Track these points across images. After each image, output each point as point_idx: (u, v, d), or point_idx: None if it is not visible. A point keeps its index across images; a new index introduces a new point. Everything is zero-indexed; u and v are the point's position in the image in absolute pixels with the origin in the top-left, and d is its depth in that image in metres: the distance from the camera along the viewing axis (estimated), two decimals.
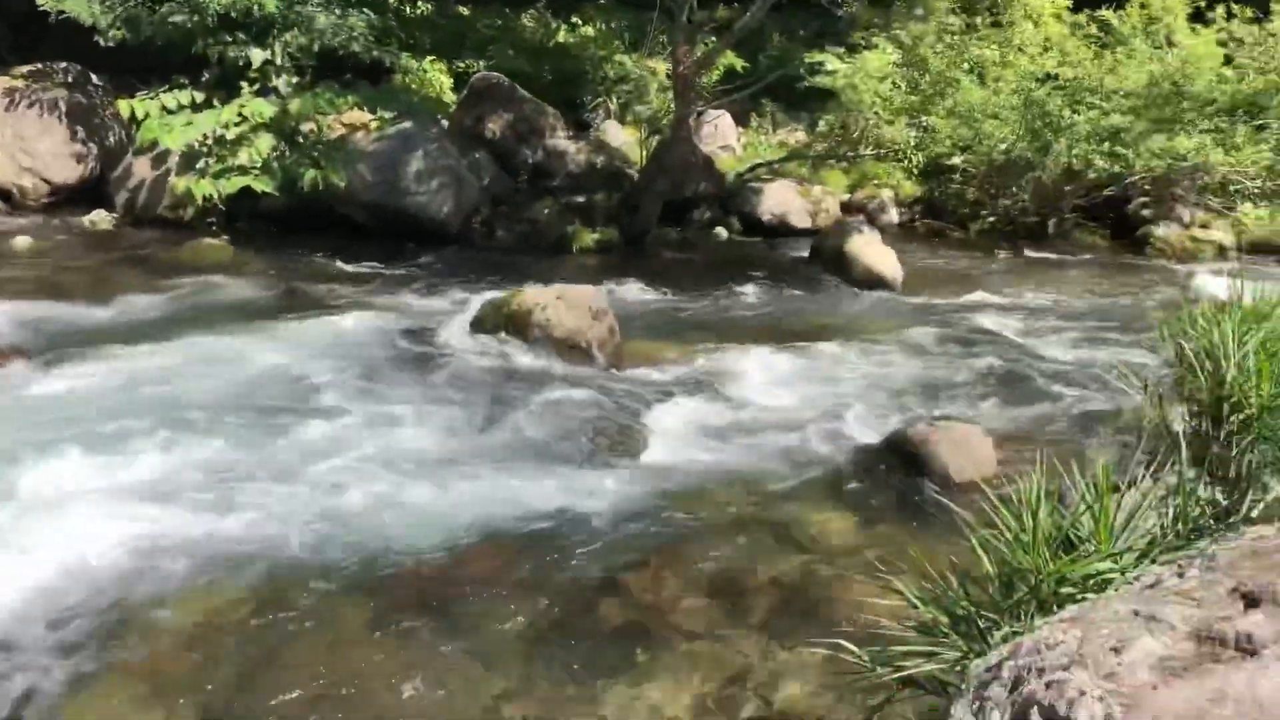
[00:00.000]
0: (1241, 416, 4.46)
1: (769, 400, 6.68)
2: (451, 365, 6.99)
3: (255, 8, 10.16)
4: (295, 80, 10.87)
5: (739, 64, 14.90)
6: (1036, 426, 6.50)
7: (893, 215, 13.45)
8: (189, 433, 5.49)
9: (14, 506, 4.62)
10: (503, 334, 7.38)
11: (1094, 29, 13.61)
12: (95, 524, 4.49)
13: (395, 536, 4.68)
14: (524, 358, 7.14)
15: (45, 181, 10.60)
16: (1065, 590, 2.82)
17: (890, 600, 3.15)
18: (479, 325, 7.55)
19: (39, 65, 11.06)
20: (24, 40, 12.37)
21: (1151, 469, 3.67)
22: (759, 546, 4.78)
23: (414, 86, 13.59)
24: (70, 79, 11.05)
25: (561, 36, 16.06)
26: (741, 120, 15.66)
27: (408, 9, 15.78)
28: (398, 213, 10.37)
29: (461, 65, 14.77)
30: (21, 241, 9.28)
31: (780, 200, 12.55)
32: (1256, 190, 13.54)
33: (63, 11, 10.20)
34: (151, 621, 3.95)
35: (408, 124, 10.73)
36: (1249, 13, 13.61)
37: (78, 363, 6.42)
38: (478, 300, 8.05)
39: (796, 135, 15.27)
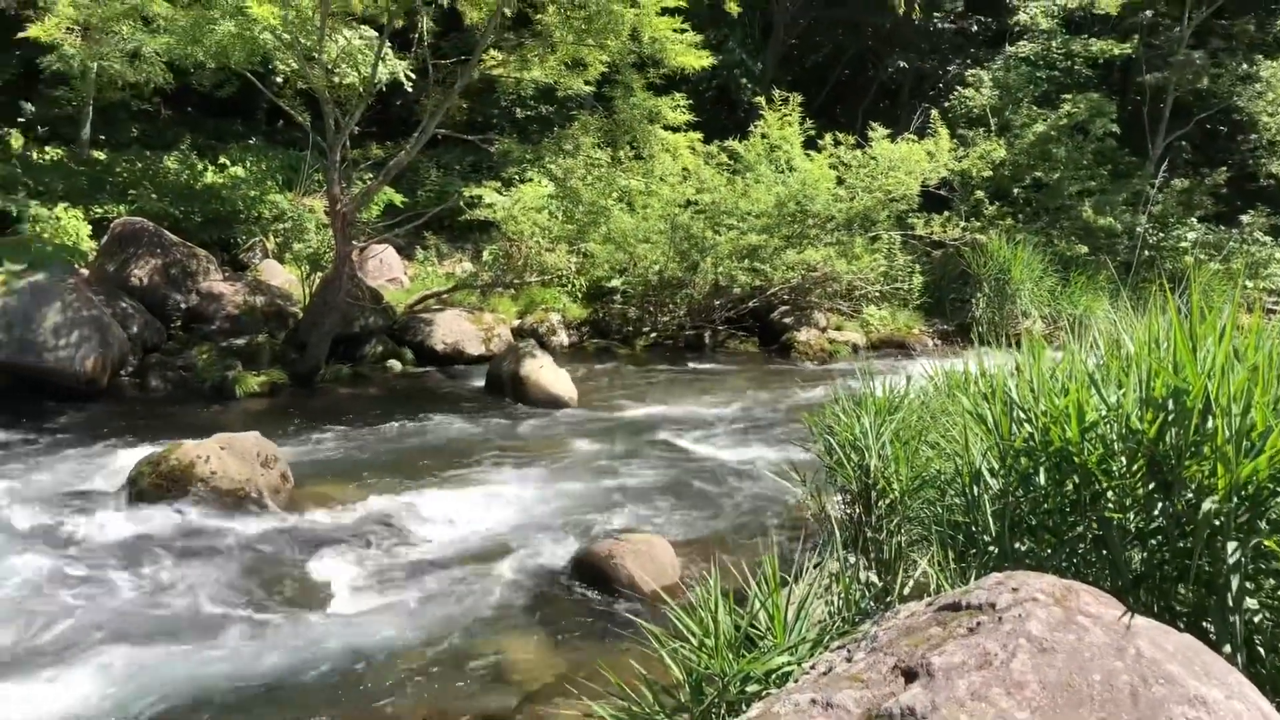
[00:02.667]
0: (887, 501, 4.94)
1: (451, 534, 6.62)
2: (105, 534, 6.40)
3: None
4: None
5: (398, 199, 15.03)
6: (712, 529, 6.84)
7: (563, 337, 13.89)
8: None
9: None
10: (162, 492, 6.88)
11: (724, 158, 14.94)
12: None
13: None
14: (189, 515, 6.67)
15: None
16: (751, 689, 2.98)
17: None
18: (134, 486, 6.99)
19: None
20: None
21: (815, 559, 3.97)
22: (454, 686, 4.68)
23: (46, 235, 12.61)
24: None
25: (210, 178, 15.53)
26: (407, 253, 15.73)
27: (35, 155, 14.73)
28: (34, 370, 9.49)
29: (99, 210, 13.88)
30: None
31: (452, 329, 12.63)
32: (877, 294, 15.21)
33: None
34: None
35: (40, 275, 9.91)
36: (852, 139, 15.45)
37: None
38: (132, 458, 7.48)
39: (462, 265, 15.53)
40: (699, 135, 13.14)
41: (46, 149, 15.17)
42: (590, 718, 3.05)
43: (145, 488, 6.94)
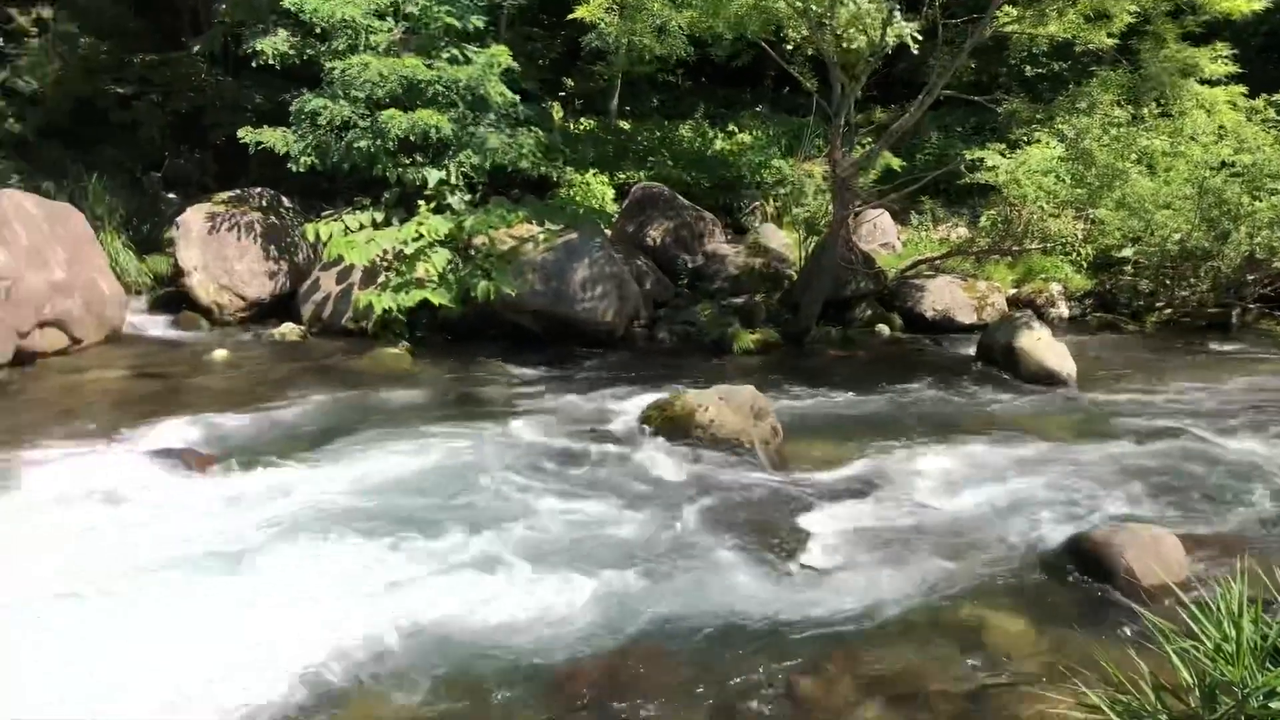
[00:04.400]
0: None
1: (939, 502, 6.53)
2: (618, 467, 7.11)
3: (432, 132, 10.81)
4: (468, 197, 11.47)
5: (896, 163, 14.94)
6: (1226, 527, 6.15)
7: (1062, 309, 13.08)
8: (376, 531, 5.73)
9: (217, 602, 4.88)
10: (666, 435, 7.49)
11: (1273, 113, 13.12)
12: (292, 619, 4.72)
13: (565, 635, 4.75)
14: (688, 459, 7.20)
15: (240, 298, 11.39)
16: (1275, 705, 2.66)
17: (1081, 714, 3.02)
18: (643, 426, 7.69)
19: (238, 191, 12.00)
20: (225, 169, 13.48)
21: None
22: (935, 651, 4.64)
23: (578, 198, 14.13)
24: (265, 203, 11.93)
25: (719, 144, 16.48)
26: (901, 218, 15.62)
27: (572, 126, 16.50)
28: (565, 319, 10.71)
29: (623, 176, 15.30)
30: (219, 354, 9.95)
31: (943, 296, 12.38)
32: None
33: (260, 142, 11.08)
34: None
35: (573, 234, 11.14)
36: None
37: (268, 467, 6.81)
38: (641, 402, 8.22)
39: (958, 231, 15.11)
40: (1242, 89, 11.67)
41: (581, 120, 16.97)
42: (1084, 705, 2.89)
43: (652, 429, 7.61)
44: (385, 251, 10.73)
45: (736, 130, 16.98)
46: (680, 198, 13.85)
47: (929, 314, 12.22)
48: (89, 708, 4.04)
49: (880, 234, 14.84)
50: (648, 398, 8.25)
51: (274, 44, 11.45)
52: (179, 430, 7.44)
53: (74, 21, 13.96)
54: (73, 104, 13.74)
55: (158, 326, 11.05)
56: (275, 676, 4.32)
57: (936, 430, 8.06)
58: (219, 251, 11.37)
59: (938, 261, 13.15)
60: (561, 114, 16.81)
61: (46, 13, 13.93)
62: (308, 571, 5.27)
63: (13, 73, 13.87)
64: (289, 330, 10.86)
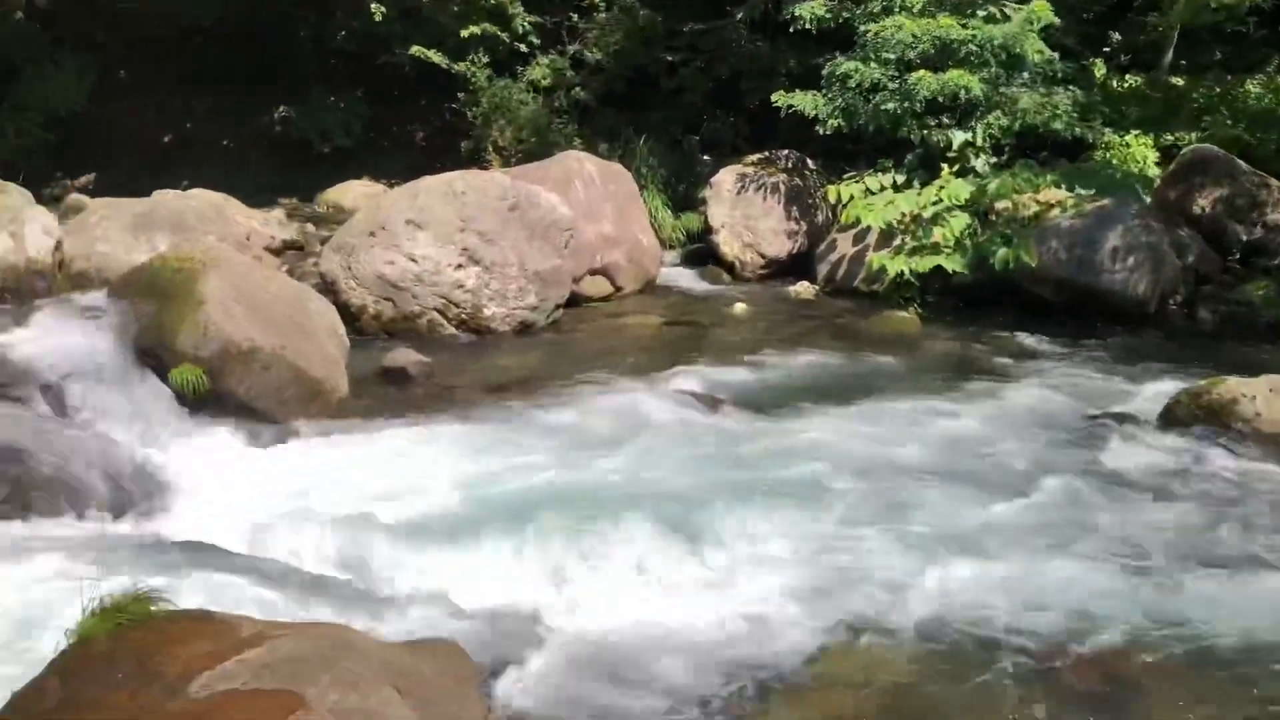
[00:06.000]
0: None
1: None
2: (1135, 454, 6.56)
3: (961, 93, 10.56)
4: (993, 160, 11.08)
5: None
6: None
7: None
8: (873, 492, 5.81)
9: (709, 547, 5.18)
10: (1198, 426, 6.76)
11: None
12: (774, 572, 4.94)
13: (1069, 622, 4.52)
14: (1223, 455, 6.46)
15: (761, 255, 11.98)
16: None
17: None
18: (1170, 414, 7.00)
19: (766, 153, 12.57)
20: (757, 131, 14.17)
21: None
22: None
23: (1115, 161, 13.06)
24: (790, 164, 12.39)
25: None
26: None
27: (1114, 83, 15.24)
28: (1088, 290, 10.01)
29: (1170, 138, 13.86)
30: (738, 308, 10.57)
31: None
32: None
33: (791, 105, 11.52)
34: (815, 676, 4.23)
35: (1106, 201, 10.35)
36: None
37: (772, 415, 7.15)
38: (1168, 387, 7.49)
39: None
40: None
41: (1126, 77, 15.59)
42: None
43: (1180, 416, 6.91)
44: (903, 214, 10.70)
45: None
46: (1239, 162, 12.28)
47: None
48: None
49: None
50: (1176, 384, 7.49)
51: (811, 9, 11.78)
52: (701, 375, 8.04)
53: None
54: (628, 72, 15.16)
55: (686, 279, 11.96)
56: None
57: None
58: (745, 210, 12.03)
59: None
60: (1104, 71, 15.57)
61: None
62: (800, 521, 5.46)
63: (582, 45, 15.59)
64: (803, 289, 11.25)
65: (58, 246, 8.70)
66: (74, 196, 13.62)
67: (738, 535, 5.20)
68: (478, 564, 4.83)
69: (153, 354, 6.57)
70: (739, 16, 14.08)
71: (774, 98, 11.75)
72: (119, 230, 9.00)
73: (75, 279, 8.55)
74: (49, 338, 6.56)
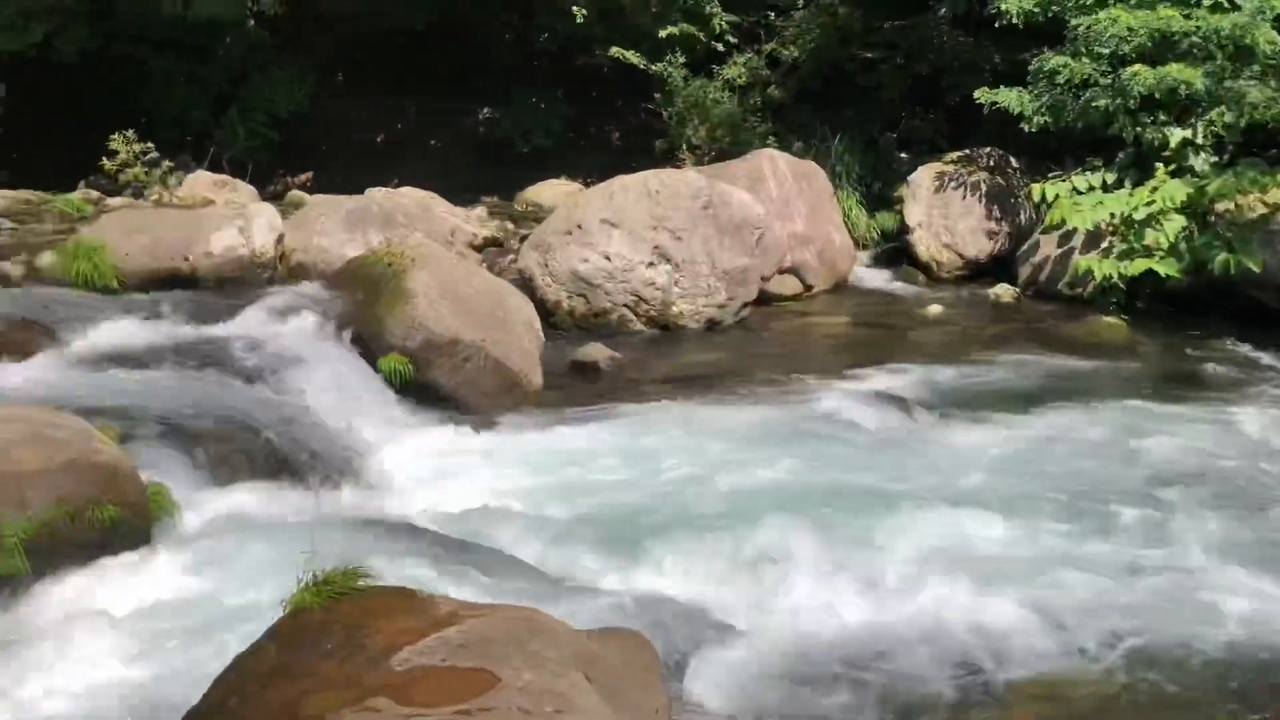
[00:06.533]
0: None
1: None
2: None
3: (1181, 88, 9.96)
4: (1214, 159, 10.40)
5: None
6: None
7: None
8: (1080, 507, 5.54)
9: (900, 551, 5.03)
10: None
11: None
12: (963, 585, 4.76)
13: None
14: None
15: (959, 255, 11.63)
16: None
17: None
18: None
19: (967, 150, 12.20)
20: (957, 129, 13.76)
21: None
22: None
23: None
24: (992, 162, 11.98)
25: None
26: None
27: None
28: None
29: None
30: (933, 309, 10.30)
31: None
32: None
33: (995, 102, 11.14)
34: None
35: None
36: None
37: (972, 421, 6.94)
38: None
39: None
40: None
41: None
42: None
43: None
44: (1112, 216, 10.18)
45: None
46: None
47: None
48: None
49: None
50: None
51: (1019, 2, 11.35)
52: (891, 377, 7.90)
53: None
54: (824, 69, 14.98)
55: (878, 279, 11.74)
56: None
57: None
58: (943, 210, 11.71)
59: None
60: None
61: None
62: (994, 530, 5.28)
63: (778, 43, 15.51)
64: (1003, 291, 10.86)
65: (280, 240, 9.30)
66: (294, 193, 14.55)
67: (930, 540, 5.06)
68: (664, 557, 4.88)
69: (363, 343, 6.96)
70: (941, 12, 13.71)
71: (976, 94, 11.40)
72: (335, 225, 9.51)
73: (295, 270, 9.08)
74: (272, 324, 7.09)
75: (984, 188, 11.70)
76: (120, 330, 6.97)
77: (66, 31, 15.37)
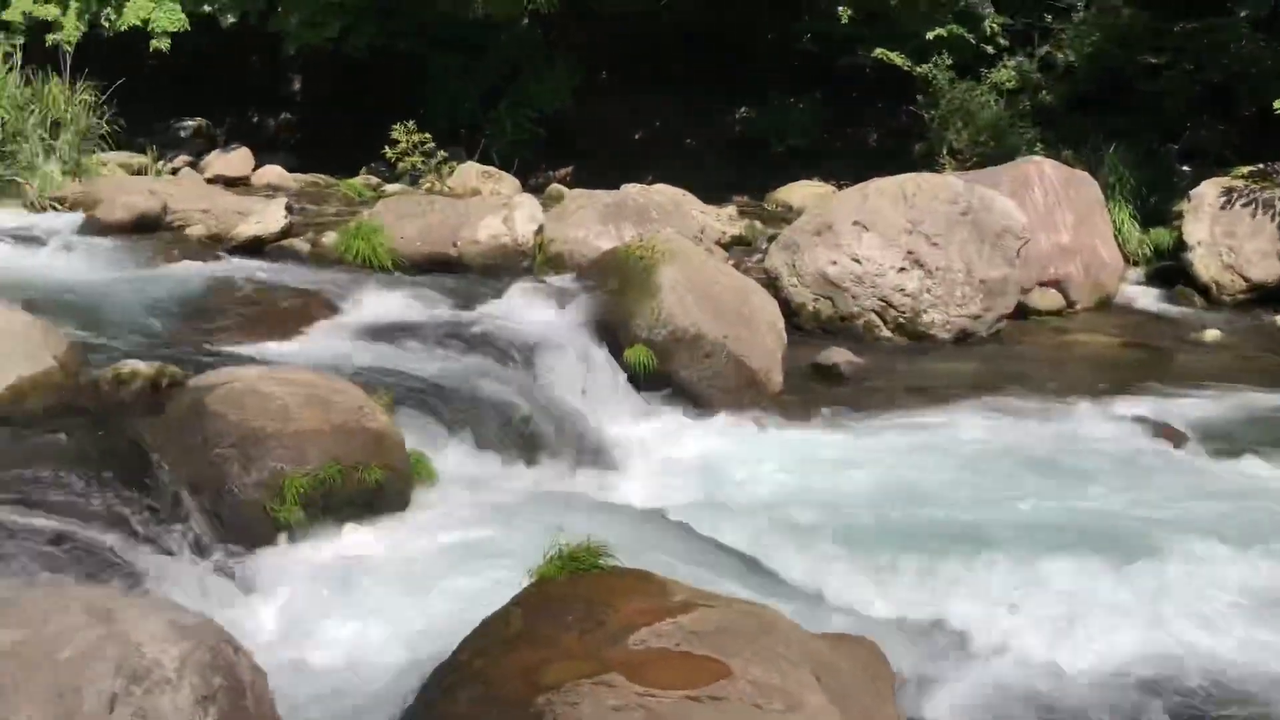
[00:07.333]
0: None
1: None
2: None
3: None
4: None
5: None
6: None
7: None
8: None
9: (1155, 586, 4.68)
10: None
11: None
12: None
13: None
14: None
15: (1243, 278, 10.72)
16: None
17: None
18: None
19: (1261, 165, 11.22)
20: (1250, 142, 12.68)
21: None
22: None
23: None
24: None
25: None
26: None
27: None
28: None
29: None
30: (1210, 334, 9.55)
31: None
32: None
33: None
34: None
35: None
36: None
37: (1251, 456, 6.37)
38: None
39: None
40: None
41: None
42: None
43: None
44: None
45: None
46: None
47: None
48: None
49: None
50: None
51: None
52: (1159, 403, 7.38)
53: None
54: (1101, 74, 14.15)
55: (1147, 299, 10.99)
56: None
57: None
58: (1228, 228, 10.82)
59: None
60: None
61: None
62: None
63: (1054, 46, 14.77)
64: None
65: (539, 230, 9.70)
66: (554, 186, 15.12)
67: (1190, 577, 4.69)
68: (898, 571, 4.77)
69: (611, 332, 7.19)
70: (1242, 14, 12.68)
71: (1276, 105, 10.47)
72: (591, 219, 9.81)
73: (552, 260, 9.44)
74: (528, 310, 7.43)
75: (1278, 206, 10.74)
76: (392, 307, 7.55)
77: (357, 28, 16.63)
